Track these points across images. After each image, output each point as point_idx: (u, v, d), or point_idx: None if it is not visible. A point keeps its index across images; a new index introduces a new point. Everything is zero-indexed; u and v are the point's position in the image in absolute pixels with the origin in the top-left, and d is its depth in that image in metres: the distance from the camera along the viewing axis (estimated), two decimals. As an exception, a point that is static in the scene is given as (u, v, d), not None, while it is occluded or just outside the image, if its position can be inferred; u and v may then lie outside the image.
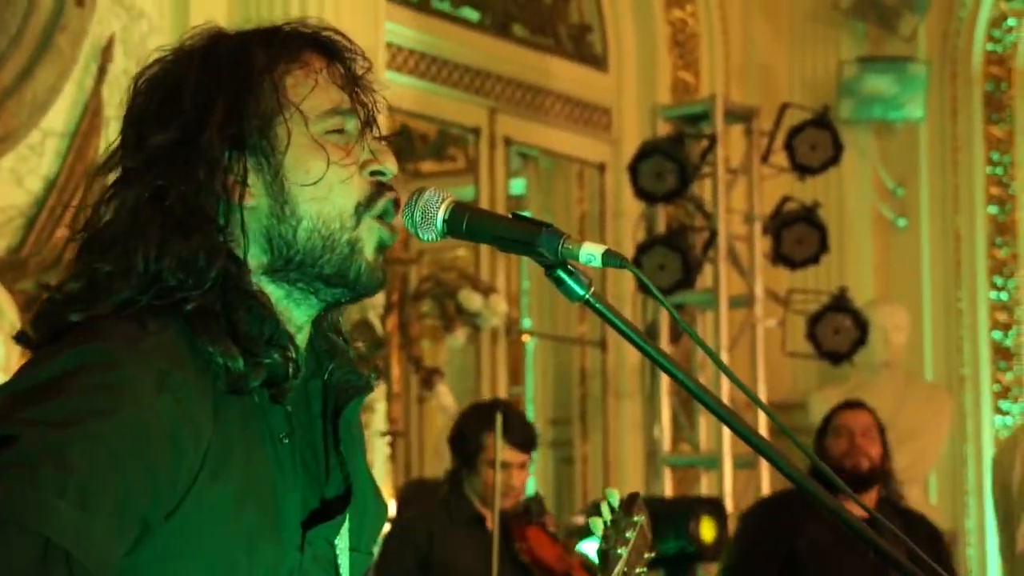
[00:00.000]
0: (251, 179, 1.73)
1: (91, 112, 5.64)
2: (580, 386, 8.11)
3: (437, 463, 7.67)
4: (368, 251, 1.76)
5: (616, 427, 7.92)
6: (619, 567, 2.50)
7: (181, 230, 1.69)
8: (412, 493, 6.20)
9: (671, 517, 6.04)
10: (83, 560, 1.53)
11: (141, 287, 1.68)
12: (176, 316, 1.67)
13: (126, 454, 1.57)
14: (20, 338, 1.73)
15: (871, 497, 5.32)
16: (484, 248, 7.52)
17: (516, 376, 7.81)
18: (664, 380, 7.39)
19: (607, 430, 7.94)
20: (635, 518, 2.55)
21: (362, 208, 1.75)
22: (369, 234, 1.76)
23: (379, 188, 1.77)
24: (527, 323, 8.10)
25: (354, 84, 1.78)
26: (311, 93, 1.74)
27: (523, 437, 4.72)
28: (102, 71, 5.68)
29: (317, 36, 1.79)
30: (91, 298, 1.68)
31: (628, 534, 2.53)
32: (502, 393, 7.51)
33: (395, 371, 7.07)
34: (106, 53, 5.70)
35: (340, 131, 1.76)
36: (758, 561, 5.38)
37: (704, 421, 7.30)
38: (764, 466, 7.05)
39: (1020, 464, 5.67)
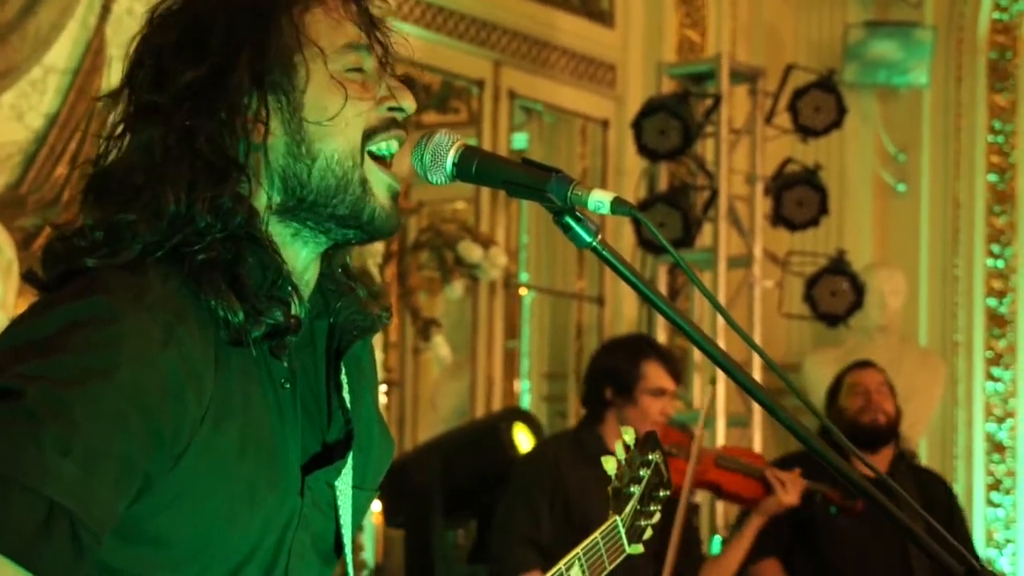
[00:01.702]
0: (270, 117, 1.71)
1: (93, 50, 5.62)
2: (576, 341, 8.11)
3: (432, 414, 7.69)
4: (380, 194, 1.75)
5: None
6: (631, 505, 2.50)
7: (211, 174, 1.67)
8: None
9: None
10: (86, 521, 1.54)
11: (169, 232, 1.66)
12: (179, 267, 1.66)
13: (130, 412, 1.57)
14: (29, 277, 1.72)
15: (887, 453, 5.36)
16: (484, 201, 7.51)
17: (512, 330, 7.81)
18: (660, 337, 7.40)
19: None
20: (650, 456, 2.55)
21: (367, 137, 1.74)
22: (374, 176, 1.75)
23: (388, 122, 1.76)
24: (525, 277, 8.09)
25: (371, 22, 1.77)
26: (330, 31, 1.73)
27: (677, 366, 4.89)
28: (106, 9, 5.66)
29: None
30: (114, 246, 1.66)
31: (642, 472, 2.53)
32: (498, 346, 7.51)
33: (393, 321, 7.08)
34: (110, -9, 5.68)
35: (359, 69, 1.75)
36: (774, 520, 5.39)
37: (698, 379, 7.31)
38: (757, 425, 7.07)
39: None
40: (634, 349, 4.86)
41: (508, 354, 7.67)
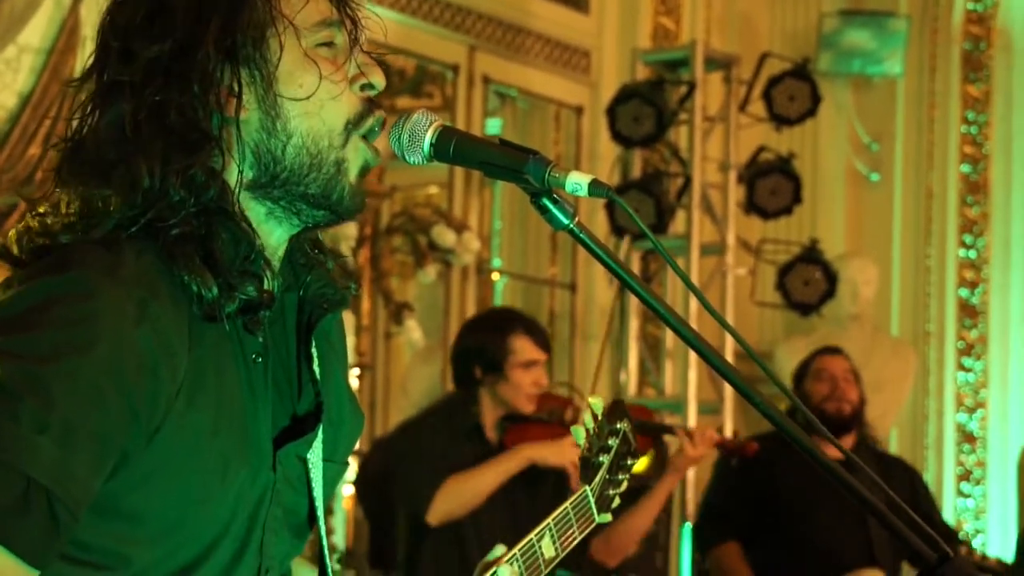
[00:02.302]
0: (244, 92, 1.71)
1: (68, 30, 5.59)
2: (548, 327, 8.11)
3: (403, 398, 7.68)
4: (352, 172, 1.75)
5: (583, 370, 7.94)
6: (600, 474, 2.50)
7: (184, 146, 1.67)
8: None
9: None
10: (63, 498, 1.54)
11: (143, 207, 1.65)
12: (153, 243, 1.65)
13: (106, 388, 1.57)
14: (2, 253, 1.71)
15: (849, 441, 5.38)
16: (458, 185, 7.50)
17: (485, 315, 7.80)
18: (632, 324, 7.41)
19: (573, 372, 7.97)
20: (618, 425, 2.56)
21: (351, 126, 1.74)
22: (355, 154, 1.75)
23: (369, 105, 1.76)
24: (497, 262, 8.09)
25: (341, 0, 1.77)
26: (303, 5, 1.72)
27: (544, 337, 4.81)
28: (81, -11, 5.63)
29: None
30: (88, 221, 1.65)
31: (610, 442, 2.53)
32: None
33: (365, 305, 7.07)
34: (86, -29, 5.65)
35: (330, 44, 1.75)
36: (736, 504, 5.43)
37: (670, 366, 7.33)
38: (728, 411, 7.09)
39: None
40: (499, 324, 4.79)
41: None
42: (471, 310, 7.45)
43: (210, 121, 1.69)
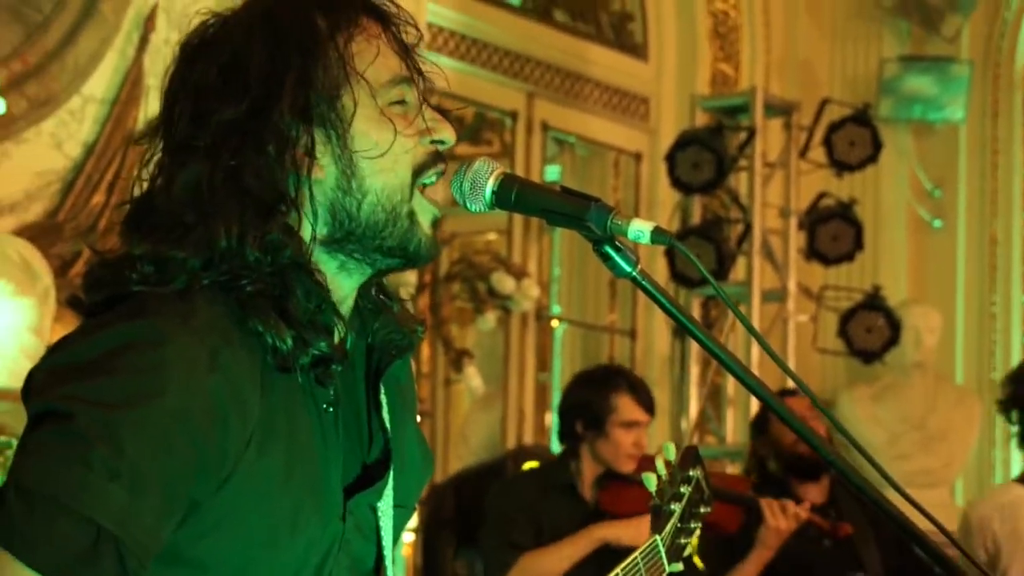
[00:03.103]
0: (319, 151, 1.69)
1: (131, 81, 5.65)
2: (607, 374, 8.09)
3: (462, 445, 7.67)
4: (425, 224, 1.75)
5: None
6: (671, 523, 2.46)
7: (260, 209, 1.66)
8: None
9: None
10: (132, 546, 1.53)
11: (218, 266, 1.65)
12: (226, 294, 1.65)
13: (176, 436, 1.56)
14: (72, 302, 1.72)
15: (825, 481, 5.20)
16: (516, 232, 7.50)
17: (544, 362, 7.80)
18: (693, 371, 7.37)
19: (633, 420, 7.92)
20: (691, 473, 2.50)
21: (415, 175, 1.74)
22: (421, 207, 1.75)
23: (434, 156, 1.75)
24: (556, 309, 8.08)
25: (406, 50, 1.76)
26: (374, 62, 1.71)
27: (649, 398, 4.76)
28: (144, 40, 5.69)
29: (369, 1, 1.76)
30: (162, 277, 1.64)
31: (683, 489, 2.48)
32: (530, 379, 7.49)
33: (424, 352, 7.07)
34: (149, 22, 5.71)
35: (402, 102, 1.74)
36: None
37: (731, 414, 7.28)
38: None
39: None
40: (604, 381, 4.75)
41: (539, 386, 7.65)
42: (530, 357, 7.43)
43: (286, 182, 1.68)
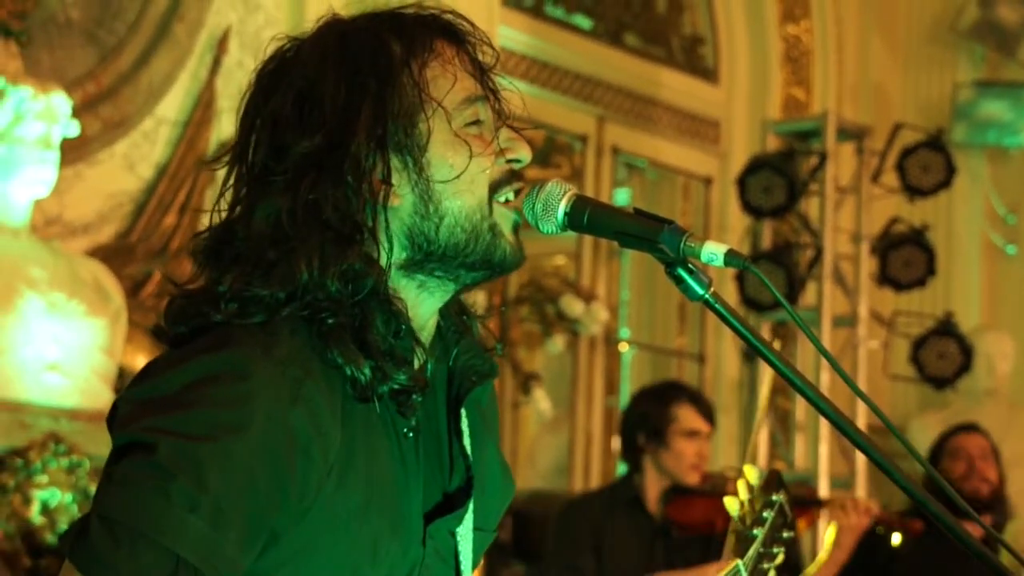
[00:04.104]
0: (395, 178, 1.69)
1: (204, 103, 5.69)
2: (676, 399, 8.05)
3: (530, 468, 7.65)
4: (507, 232, 1.74)
5: (712, 441, 7.84)
6: (754, 548, 2.42)
7: (340, 241, 1.65)
8: None
9: None
10: None
11: (300, 299, 1.65)
12: (307, 325, 1.65)
13: (259, 469, 1.57)
14: (157, 332, 1.72)
15: (985, 521, 5.18)
16: (585, 255, 7.49)
17: (612, 386, 7.77)
18: (761, 397, 7.31)
19: (701, 445, 7.87)
20: (774, 497, 2.46)
21: (492, 191, 1.73)
22: (502, 216, 1.74)
23: (511, 175, 1.74)
24: (625, 333, 8.05)
25: (481, 70, 1.75)
26: (449, 86, 1.71)
27: (709, 409, 4.81)
28: (217, 62, 5.74)
29: (444, 22, 1.75)
30: (244, 309, 1.64)
31: (765, 514, 2.44)
32: (598, 402, 7.47)
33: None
34: (222, 44, 5.76)
35: (477, 122, 1.73)
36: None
37: (800, 439, 7.21)
38: (860, 485, 6.95)
39: None
40: (664, 393, 4.82)
41: (608, 410, 7.62)
42: (599, 381, 7.41)
43: (364, 212, 1.67)
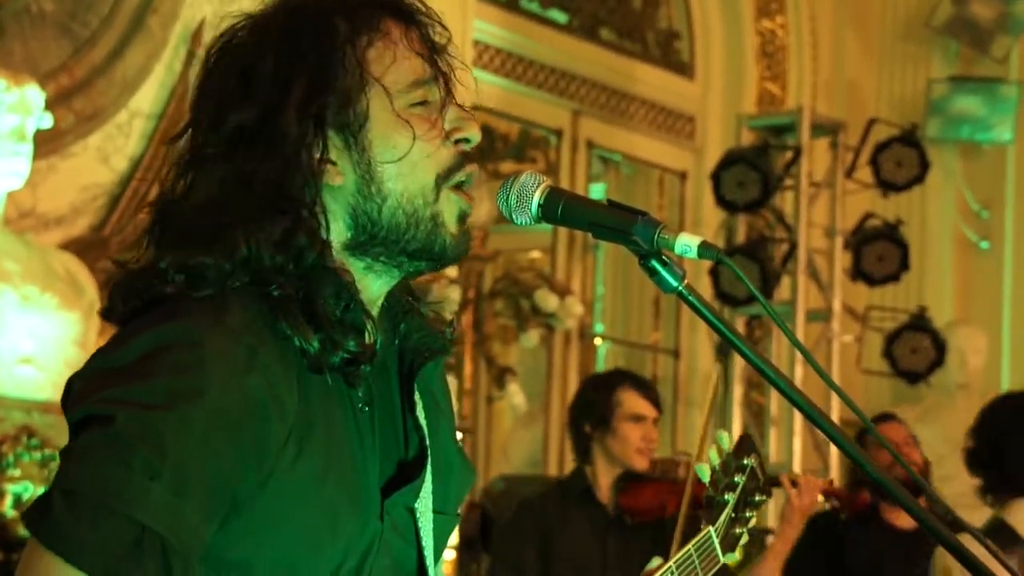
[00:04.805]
0: (337, 157, 1.69)
1: (178, 96, 5.68)
2: (651, 393, 8.06)
3: (504, 462, 7.66)
4: (450, 223, 1.73)
5: (685, 436, 7.87)
6: (725, 513, 2.41)
7: (272, 213, 1.65)
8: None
9: None
10: (176, 545, 1.53)
11: (244, 271, 1.65)
12: (257, 299, 1.65)
13: (216, 435, 1.56)
14: (106, 312, 1.72)
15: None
16: (560, 250, 7.49)
17: (587, 380, 7.77)
18: (736, 391, 7.33)
19: (676, 439, 7.89)
20: (745, 461, 2.45)
21: (441, 179, 1.72)
22: (448, 205, 1.73)
23: (460, 159, 1.74)
24: (600, 328, 8.06)
25: (432, 50, 1.74)
26: (393, 65, 1.70)
27: (655, 394, 4.78)
28: (191, 55, 5.72)
29: (394, 2, 1.74)
30: (192, 283, 1.64)
31: (737, 479, 2.43)
32: (572, 397, 7.47)
33: (467, 368, 7.06)
34: (196, 38, 5.74)
35: (423, 103, 1.73)
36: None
37: (774, 433, 7.24)
38: (835, 479, 6.97)
39: None
40: (607, 380, 4.79)
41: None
42: (573, 375, 7.42)
43: (302, 188, 1.67)
